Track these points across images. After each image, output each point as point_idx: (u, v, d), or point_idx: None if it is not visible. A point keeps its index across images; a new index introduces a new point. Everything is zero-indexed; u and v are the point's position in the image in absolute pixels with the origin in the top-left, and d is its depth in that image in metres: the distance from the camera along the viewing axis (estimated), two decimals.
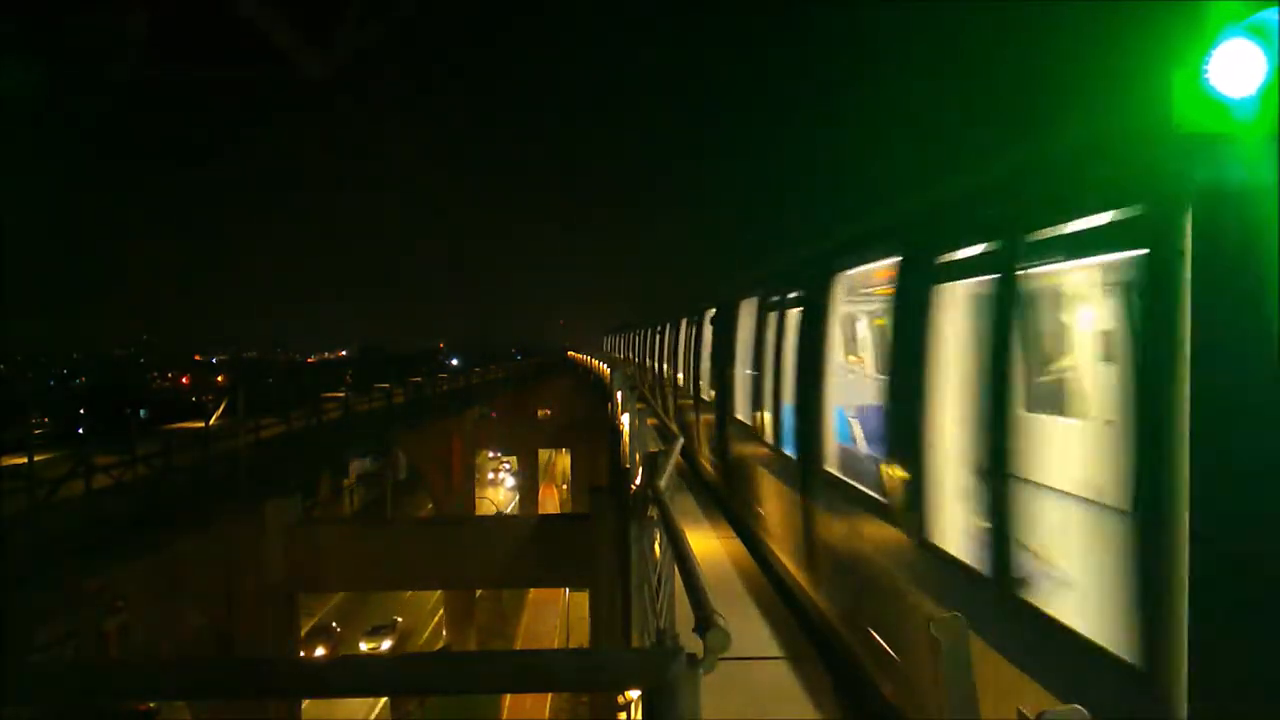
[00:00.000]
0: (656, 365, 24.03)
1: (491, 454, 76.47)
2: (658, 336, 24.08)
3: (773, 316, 9.25)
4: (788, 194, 10.91)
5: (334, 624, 48.89)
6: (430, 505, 55.14)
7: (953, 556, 4.43)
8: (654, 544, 4.53)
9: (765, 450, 9.45)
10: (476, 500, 56.96)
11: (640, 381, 27.27)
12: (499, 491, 78.57)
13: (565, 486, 71.84)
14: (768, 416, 9.33)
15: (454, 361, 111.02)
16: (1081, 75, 3.70)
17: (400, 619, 49.90)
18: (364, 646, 46.13)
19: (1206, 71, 2.29)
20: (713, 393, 13.78)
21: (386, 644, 46.55)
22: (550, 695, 38.51)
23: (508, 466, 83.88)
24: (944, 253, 4.82)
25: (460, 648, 40.07)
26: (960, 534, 4.49)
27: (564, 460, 74.90)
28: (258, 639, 19.56)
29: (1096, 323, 5.13)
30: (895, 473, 5.27)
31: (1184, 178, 2.36)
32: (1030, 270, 4.05)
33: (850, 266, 6.89)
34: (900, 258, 5.52)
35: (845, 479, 6.68)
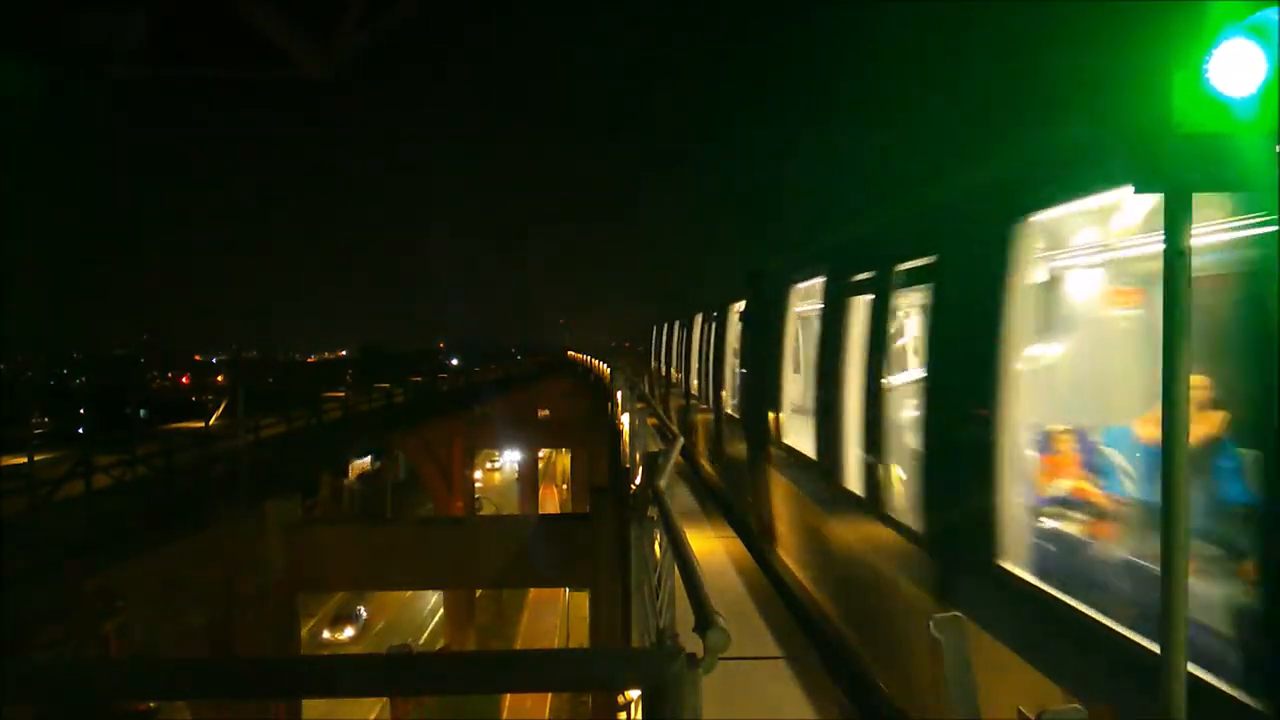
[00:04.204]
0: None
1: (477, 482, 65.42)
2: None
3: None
4: (791, 190, 10.78)
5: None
6: (430, 505, 55.14)
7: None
8: (654, 544, 4.53)
9: None
10: (477, 499, 56.99)
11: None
12: None
13: (565, 486, 71.83)
14: None
15: (454, 361, 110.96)
16: (1081, 75, 3.71)
17: (364, 611, 50.41)
18: (326, 635, 47.30)
19: (1206, 71, 2.30)
20: None
21: (349, 632, 47.54)
22: (550, 695, 38.52)
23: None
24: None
25: (460, 648, 40.06)
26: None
27: (564, 460, 74.85)
28: (258, 639, 19.56)
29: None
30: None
31: (1184, 178, 2.37)
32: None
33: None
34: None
35: None
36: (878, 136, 6.92)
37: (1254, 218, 2.84)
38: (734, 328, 13.24)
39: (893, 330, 6.14)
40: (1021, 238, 4.02)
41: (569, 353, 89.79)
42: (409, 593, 53.34)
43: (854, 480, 6.53)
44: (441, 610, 49.64)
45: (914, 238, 5.50)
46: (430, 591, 53.02)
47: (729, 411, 13.40)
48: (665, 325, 24.05)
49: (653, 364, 28.18)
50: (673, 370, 21.80)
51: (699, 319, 16.78)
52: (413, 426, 42.73)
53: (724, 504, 13.10)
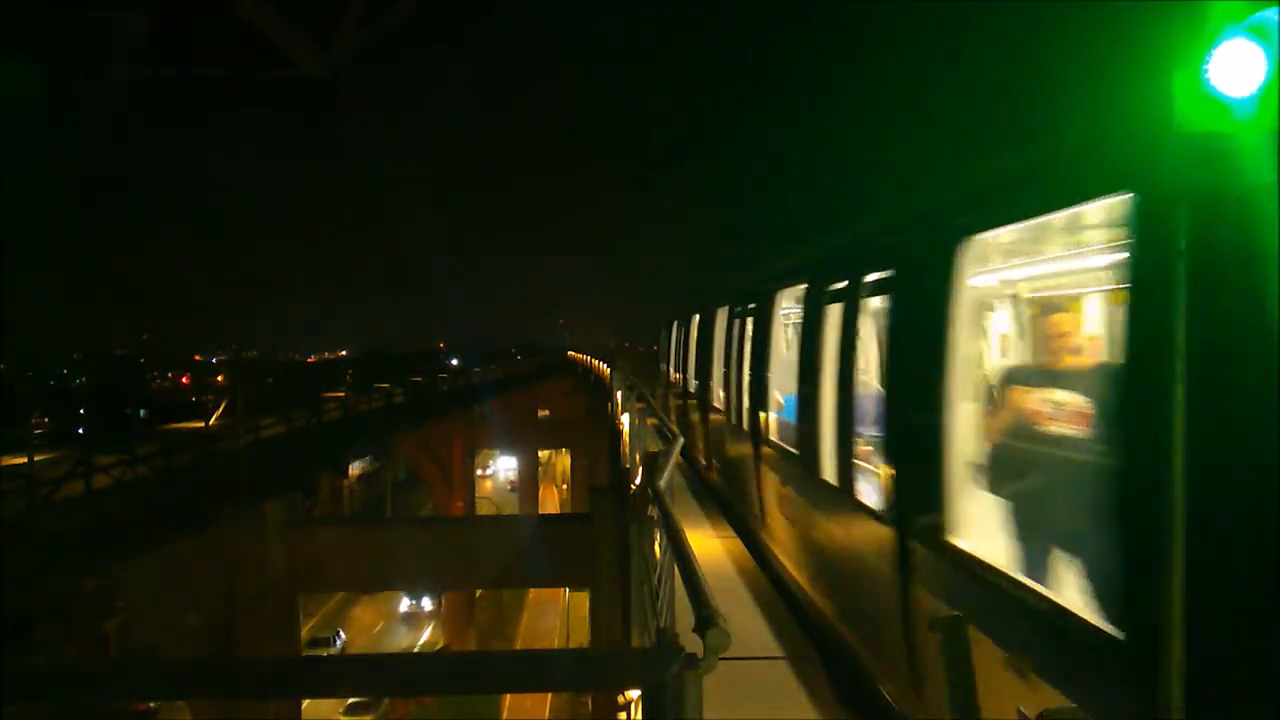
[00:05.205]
0: None
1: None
2: None
3: None
4: (792, 189, 10.64)
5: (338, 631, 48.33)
6: (430, 505, 55.18)
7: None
8: (654, 544, 4.54)
9: None
10: (476, 500, 57.05)
11: None
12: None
13: (565, 486, 71.92)
14: None
15: (454, 361, 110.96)
16: (1081, 75, 3.70)
17: (343, 634, 47.64)
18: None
19: (1206, 71, 2.30)
20: None
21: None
22: (550, 695, 38.54)
23: None
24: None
25: (460, 648, 40.08)
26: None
27: (564, 460, 74.95)
28: (258, 639, 19.57)
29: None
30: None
31: (1183, 177, 2.37)
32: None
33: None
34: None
35: None
36: (877, 132, 6.92)
37: None
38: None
39: None
40: None
41: (569, 353, 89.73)
42: (392, 614, 52.75)
43: None
44: (427, 633, 49.30)
45: None
46: (414, 618, 52.17)
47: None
48: (694, 319, 16.06)
49: (673, 374, 19.76)
50: (713, 388, 13.64)
51: (780, 301, 9.55)
52: (413, 427, 42.78)
53: (724, 503, 13.09)
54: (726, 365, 12.08)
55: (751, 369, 10.29)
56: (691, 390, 15.94)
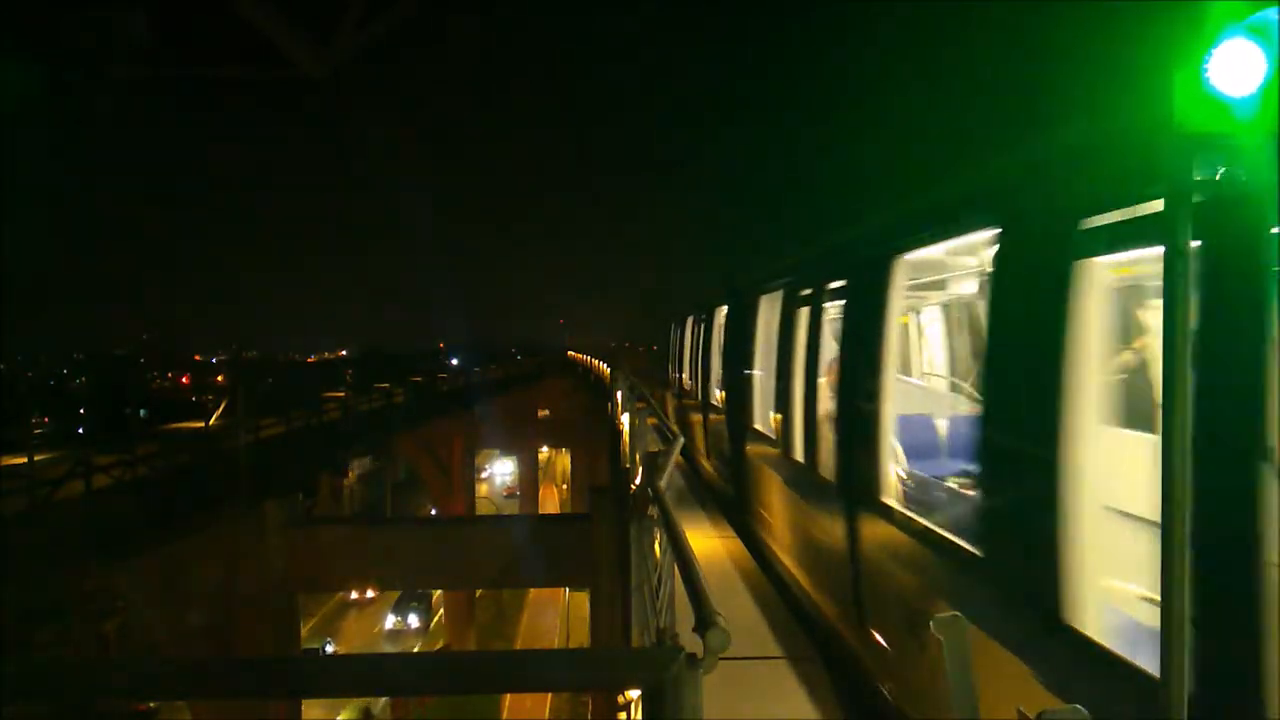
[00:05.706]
0: None
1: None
2: None
3: None
4: (791, 189, 10.60)
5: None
6: (430, 505, 55.18)
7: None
8: (654, 544, 4.54)
9: None
10: (476, 500, 57.06)
11: None
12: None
13: (565, 486, 71.94)
14: None
15: (454, 361, 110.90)
16: (1081, 75, 3.70)
17: (331, 646, 46.78)
18: None
19: (1207, 71, 2.30)
20: None
21: None
22: (550, 695, 38.53)
23: None
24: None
25: (460, 648, 40.07)
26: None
27: (564, 460, 75.00)
28: (258, 639, 19.57)
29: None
30: None
31: (1184, 177, 2.37)
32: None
33: None
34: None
35: None
36: (879, 131, 6.92)
37: None
38: None
39: None
40: None
41: (569, 353, 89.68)
42: (385, 623, 52.54)
43: None
44: (418, 645, 49.26)
45: None
46: (400, 635, 51.52)
47: None
48: (720, 312, 12.96)
49: (685, 381, 16.60)
50: (751, 404, 10.69)
51: (900, 275, 5.88)
52: (413, 427, 42.79)
53: (724, 503, 13.09)
54: (781, 377, 8.75)
55: (840, 380, 6.81)
56: (715, 403, 12.95)
